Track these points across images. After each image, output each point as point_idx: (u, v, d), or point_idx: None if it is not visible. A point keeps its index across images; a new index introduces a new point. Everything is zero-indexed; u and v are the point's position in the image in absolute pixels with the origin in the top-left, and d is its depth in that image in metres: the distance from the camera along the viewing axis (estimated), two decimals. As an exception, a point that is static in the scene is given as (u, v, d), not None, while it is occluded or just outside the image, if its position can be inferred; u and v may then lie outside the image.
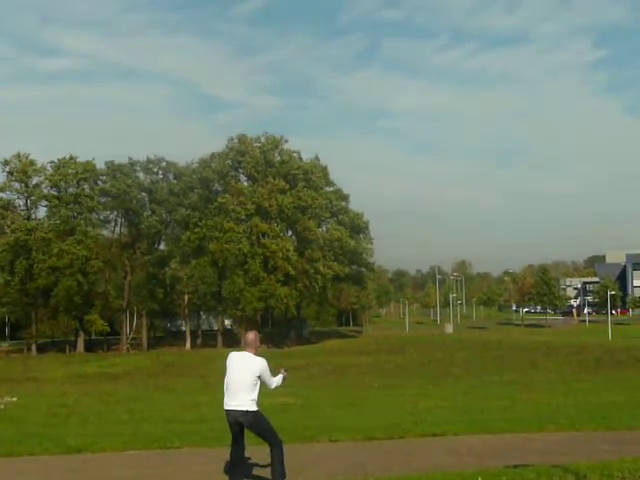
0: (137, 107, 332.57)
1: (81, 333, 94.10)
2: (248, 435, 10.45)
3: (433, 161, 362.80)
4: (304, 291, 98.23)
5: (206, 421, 20.50)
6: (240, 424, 10.23)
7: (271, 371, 10.38)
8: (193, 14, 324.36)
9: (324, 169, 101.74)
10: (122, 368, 67.01)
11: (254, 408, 10.13)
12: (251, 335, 10.50)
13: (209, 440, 15.02)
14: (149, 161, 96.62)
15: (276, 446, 10.27)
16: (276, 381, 10.55)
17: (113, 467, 12.55)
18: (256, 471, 11.41)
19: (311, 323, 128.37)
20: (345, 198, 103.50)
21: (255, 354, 10.30)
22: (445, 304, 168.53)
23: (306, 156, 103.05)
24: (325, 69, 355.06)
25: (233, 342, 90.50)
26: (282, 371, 10.82)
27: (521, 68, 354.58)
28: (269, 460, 10.32)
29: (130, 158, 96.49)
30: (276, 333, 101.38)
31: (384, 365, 58.57)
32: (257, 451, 11.56)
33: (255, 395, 10.15)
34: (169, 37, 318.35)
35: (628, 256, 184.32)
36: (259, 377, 10.17)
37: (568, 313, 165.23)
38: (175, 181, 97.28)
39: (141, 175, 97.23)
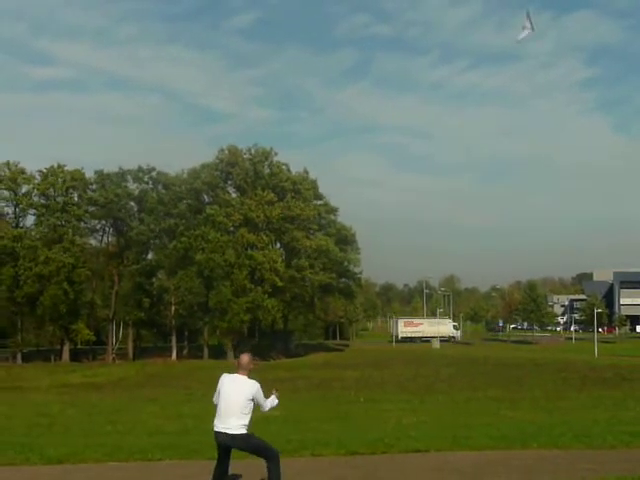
0: (128, 117, 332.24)
1: (67, 342, 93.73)
2: (237, 451, 10.41)
3: (422, 176, 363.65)
4: (292, 302, 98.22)
5: (189, 433, 20.41)
6: (227, 445, 10.17)
7: (264, 392, 10.31)
8: (186, 25, 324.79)
9: (313, 182, 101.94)
10: (107, 378, 66.80)
11: (242, 431, 10.02)
12: (245, 358, 10.39)
13: (191, 452, 14.95)
14: (140, 170, 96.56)
15: (272, 459, 10.20)
16: (270, 403, 10.48)
17: (94, 479, 12.48)
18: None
19: (298, 336, 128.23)
20: (334, 211, 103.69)
21: (248, 377, 10.22)
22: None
23: (295, 169, 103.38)
24: (317, 83, 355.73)
25: (219, 354, 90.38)
26: (274, 392, 10.74)
27: (511, 86, 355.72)
28: (257, 475, 10.26)
29: (120, 167, 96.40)
30: (262, 345, 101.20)
31: (370, 379, 58.48)
32: (244, 466, 11.52)
33: (247, 420, 10.05)
34: (162, 48, 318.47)
35: (615, 274, 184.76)
36: (252, 400, 10.10)
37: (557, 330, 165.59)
38: (164, 191, 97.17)
39: (130, 184, 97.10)
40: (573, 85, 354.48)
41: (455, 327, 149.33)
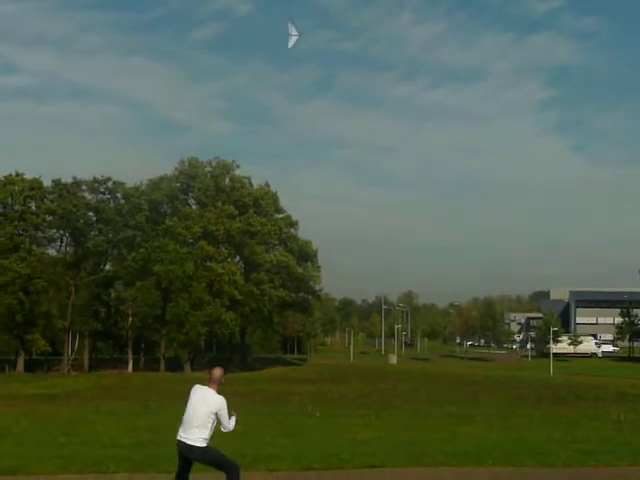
0: (90, 127, 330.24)
1: (22, 353, 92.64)
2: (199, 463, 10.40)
3: (384, 192, 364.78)
4: (250, 316, 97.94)
5: (144, 446, 20.29)
6: (187, 456, 10.17)
7: (229, 411, 10.34)
8: (149, 37, 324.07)
9: (274, 196, 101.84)
10: (62, 389, 66.03)
11: (202, 444, 10.06)
12: (218, 372, 10.53)
13: (146, 465, 14.89)
14: (95, 181, 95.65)
15: (232, 473, 10.23)
16: (232, 424, 10.50)
17: (46, 491, 12.38)
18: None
19: (256, 349, 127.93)
20: (294, 225, 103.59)
21: (217, 391, 10.27)
22: (390, 334, 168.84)
23: (257, 182, 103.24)
24: (280, 97, 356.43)
25: (176, 366, 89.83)
26: (232, 413, 10.77)
27: (474, 104, 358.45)
28: None
29: (74, 177, 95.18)
30: (220, 359, 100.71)
31: (327, 394, 58.39)
32: (204, 478, 11.50)
33: (207, 434, 10.10)
34: (124, 59, 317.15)
35: (572, 293, 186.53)
36: (215, 415, 10.12)
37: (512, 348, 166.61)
38: (123, 201, 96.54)
39: (87, 194, 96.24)
40: (534, 105, 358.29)
41: (597, 344, 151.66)
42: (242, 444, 19.21)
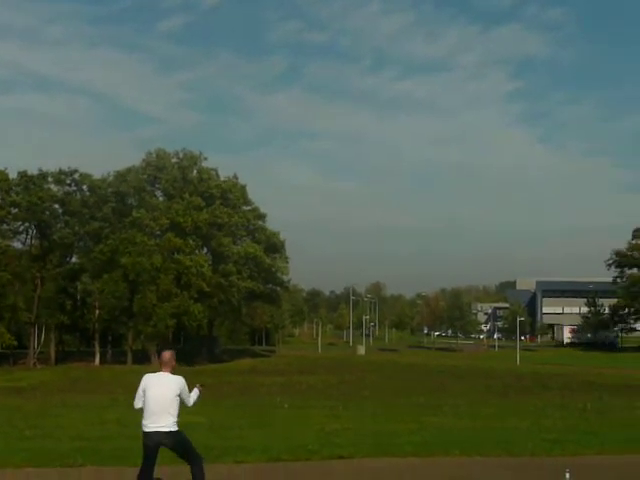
0: (57, 118, 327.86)
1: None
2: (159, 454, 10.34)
3: (352, 183, 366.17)
4: (218, 308, 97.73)
5: (112, 439, 20.16)
6: (159, 445, 10.11)
7: (189, 389, 10.33)
8: (116, 28, 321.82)
9: (242, 188, 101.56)
10: (28, 383, 65.56)
11: (176, 428, 10.05)
12: (167, 354, 10.39)
13: (113, 459, 14.81)
14: (61, 172, 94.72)
15: (197, 464, 10.22)
16: (193, 398, 10.50)
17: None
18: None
19: (224, 341, 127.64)
20: (262, 217, 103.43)
21: (171, 373, 10.21)
22: (358, 325, 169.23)
23: (225, 174, 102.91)
24: (247, 88, 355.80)
25: (143, 359, 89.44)
26: (197, 386, 10.76)
27: (441, 95, 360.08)
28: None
29: (40, 169, 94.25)
30: (188, 350, 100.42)
31: (295, 385, 58.40)
32: (169, 472, 11.46)
33: (176, 416, 10.07)
34: (91, 50, 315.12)
35: (538, 283, 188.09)
36: (179, 396, 10.09)
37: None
38: (89, 193, 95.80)
39: (53, 186, 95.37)
40: (500, 97, 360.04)
41: None
42: (210, 436, 19.16)
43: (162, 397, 10.02)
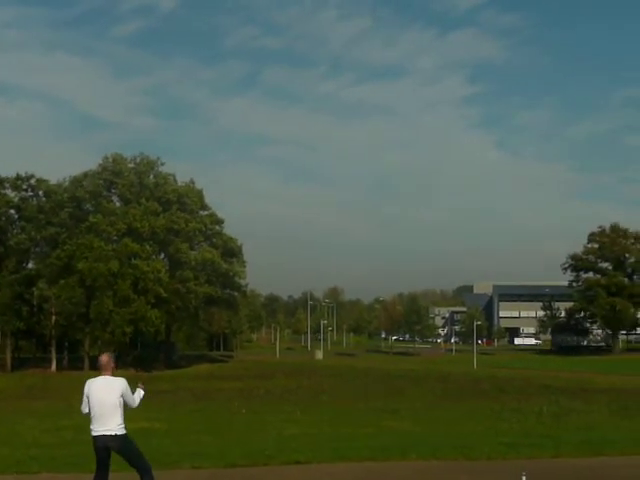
0: (11, 123, 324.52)
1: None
2: (114, 461, 10.30)
3: (310, 189, 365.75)
4: (175, 313, 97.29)
5: (68, 446, 20.03)
6: (108, 449, 10.09)
7: (131, 390, 10.32)
8: (71, 33, 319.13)
9: (199, 193, 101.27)
10: (-17, 389, 64.94)
11: (123, 432, 10.05)
12: (105, 357, 10.44)
13: (68, 465, 14.74)
14: (18, 178, 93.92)
15: (146, 472, 10.18)
16: (138, 398, 10.49)
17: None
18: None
19: (181, 347, 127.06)
20: (220, 222, 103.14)
21: (112, 375, 10.22)
22: (316, 330, 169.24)
23: (182, 179, 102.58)
24: (205, 94, 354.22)
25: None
26: (140, 385, 10.77)
27: (398, 100, 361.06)
28: None
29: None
30: (145, 356, 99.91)
31: (253, 391, 58.34)
32: (121, 477, 11.38)
33: (121, 419, 10.06)
34: (47, 54, 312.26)
35: (495, 287, 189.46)
36: (122, 397, 10.08)
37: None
38: (45, 199, 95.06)
39: (9, 192, 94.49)
40: (457, 101, 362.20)
41: None
42: (167, 442, 19.10)
43: (105, 401, 10.05)
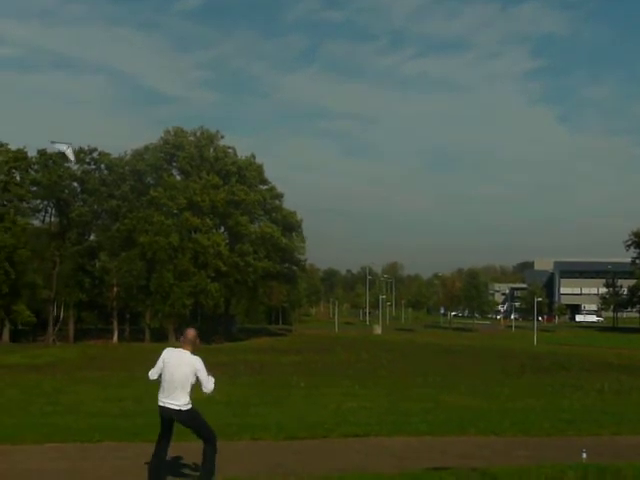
0: (74, 97, 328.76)
1: (7, 323, 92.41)
2: (177, 431, 10.39)
3: (369, 163, 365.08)
4: (235, 287, 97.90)
5: (128, 416, 20.33)
6: (172, 420, 10.15)
7: (207, 370, 10.20)
8: (133, 7, 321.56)
9: (259, 167, 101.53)
10: (47, 360, 65.94)
11: (188, 407, 10.01)
12: (191, 332, 10.27)
13: (129, 435, 14.92)
14: (81, 151, 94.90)
15: (210, 442, 10.19)
16: (211, 385, 10.23)
17: (31, 460, 12.41)
18: (180, 467, 11.39)
19: (240, 320, 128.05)
20: (279, 197, 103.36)
21: (192, 352, 10.16)
22: (375, 305, 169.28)
23: (242, 153, 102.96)
24: (265, 67, 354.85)
25: (161, 336, 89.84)
26: (210, 374, 10.64)
27: (459, 74, 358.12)
28: (192, 458, 10.24)
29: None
30: (204, 329, 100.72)
31: (311, 364, 58.43)
32: (183, 448, 11.55)
33: (189, 395, 10.03)
34: (108, 29, 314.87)
35: (556, 264, 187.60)
36: (194, 376, 10.03)
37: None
38: (107, 172, 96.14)
39: (73, 165, 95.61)
40: (519, 76, 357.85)
41: None
42: (227, 413, 19.29)
43: (177, 375, 9.97)
